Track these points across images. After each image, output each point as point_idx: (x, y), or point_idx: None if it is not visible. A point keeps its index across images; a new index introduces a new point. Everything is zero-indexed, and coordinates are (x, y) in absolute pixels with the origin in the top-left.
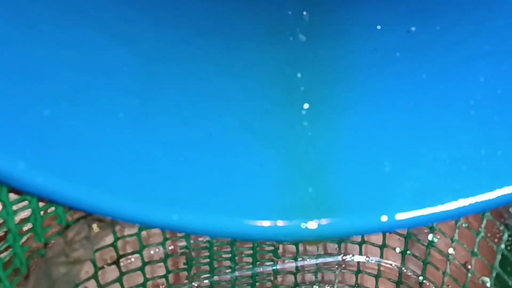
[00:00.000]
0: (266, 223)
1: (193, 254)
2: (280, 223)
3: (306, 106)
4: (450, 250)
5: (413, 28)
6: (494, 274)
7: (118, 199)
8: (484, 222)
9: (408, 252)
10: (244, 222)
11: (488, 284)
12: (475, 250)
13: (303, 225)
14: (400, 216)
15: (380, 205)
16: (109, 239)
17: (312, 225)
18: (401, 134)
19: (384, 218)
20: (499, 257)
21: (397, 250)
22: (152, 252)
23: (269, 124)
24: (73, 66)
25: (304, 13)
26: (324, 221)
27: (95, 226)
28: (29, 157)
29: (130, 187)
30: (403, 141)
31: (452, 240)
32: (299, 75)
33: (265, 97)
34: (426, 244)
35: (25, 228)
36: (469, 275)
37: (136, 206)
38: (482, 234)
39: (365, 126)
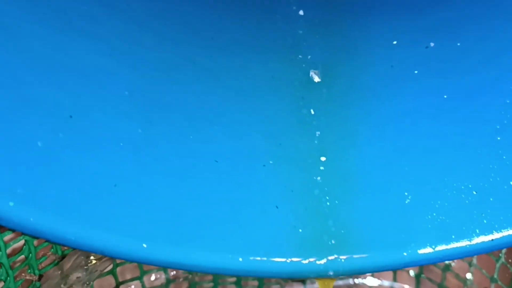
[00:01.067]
0: (281, 261)
1: (196, 278)
2: (297, 260)
3: (323, 158)
4: (468, 275)
5: (432, 44)
6: None
7: (118, 238)
8: None
9: (422, 275)
10: (261, 260)
11: None
12: (495, 276)
13: (321, 262)
14: (423, 251)
15: (401, 241)
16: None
17: (330, 263)
18: (422, 162)
19: (405, 254)
20: None
21: (411, 273)
22: (153, 278)
23: (282, 158)
24: (68, 90)
25: (316, 32)
26: (343, 259)
27: (93, 257)
28: (20, 195)
29: (130, 225)
30: (424, 169)
31: (470, 265)
32: (311, 96)
33: (275, 123)
34: (442, 267)
35: (18, 259)
36: None
37: (138, 246)
38: (503, 260)
39: (382, 153)
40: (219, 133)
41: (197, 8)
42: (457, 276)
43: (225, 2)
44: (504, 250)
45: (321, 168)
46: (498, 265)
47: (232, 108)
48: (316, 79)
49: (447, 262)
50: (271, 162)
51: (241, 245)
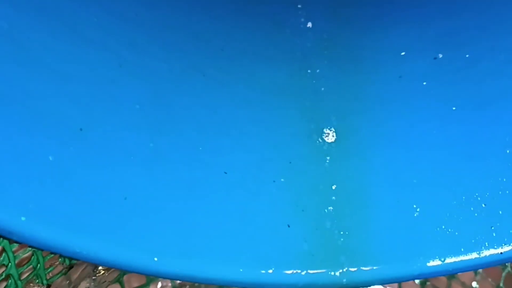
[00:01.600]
0: (292, 273)
1: (202, 286)
2: (308, 272)
3: (334, 187)
4: (474, 284)
5: (440, 55)
6: None
7: (129, 252)
8: None
9: (428, 283)
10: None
11: None
12: (501, 284)
13: (332, 275)
14: (432, 264)
15: (411, 254)
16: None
17: (341, 276)
18: (430, 174)
19: (415, 267)
20: None
21: (416, 280)
22: (159, 285)
23: (293, 176)
24: (79, 102)
25: (324, 42)
26: (353, 271)
27: (101, 267)
28: (31, 210)
29: (141, 238)
30: (433, 181)
31: (476, 273)
32: (320, 108)
33: (286, 139)
34: (447, 275)
35: (26, 269)
36: None
37: (149, 259)
38: (509, 269)
39: (391, 165)
40: (228, 144)
41: (207, 19)
42: (462, 284)
43: (234, 13)
44: None
45: (333, 187)
46: (504, 274)
47: (242, 120)
48: (331, 138)
49: None
50: (282, 180)
51: (251, 259)
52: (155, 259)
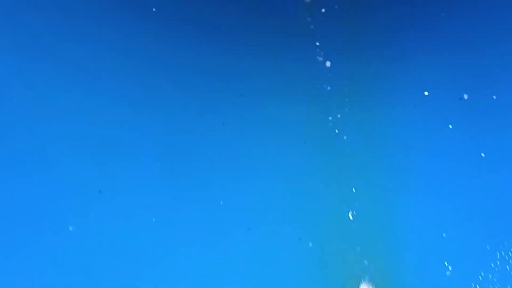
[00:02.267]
0: None
1: None
2: None
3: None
4: None
5: (465, 96)
6: None
7: None
8: None
9: None
10: None
11: None
12: None
13: None
14: None
15: None
16: None
17: None
18: (460, 226)
19: None
20: None
21: None
22: None
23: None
24: (97, 162)
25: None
26: None
27: None
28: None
29: None
30: (463, 235)
31: None
32: (344, 160)
33: (309, 189)
34: None
35: None
36: None
37: None
38: None
39: (417, 214)
40: (248, 198)
41: (226, 62)
42: None
43: (252, 53)
44: None
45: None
46: None
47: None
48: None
49: None
50: (310, 244)
51: None
52: None
